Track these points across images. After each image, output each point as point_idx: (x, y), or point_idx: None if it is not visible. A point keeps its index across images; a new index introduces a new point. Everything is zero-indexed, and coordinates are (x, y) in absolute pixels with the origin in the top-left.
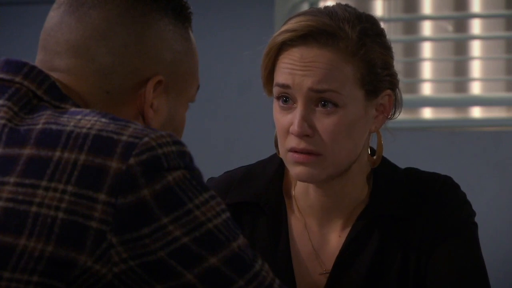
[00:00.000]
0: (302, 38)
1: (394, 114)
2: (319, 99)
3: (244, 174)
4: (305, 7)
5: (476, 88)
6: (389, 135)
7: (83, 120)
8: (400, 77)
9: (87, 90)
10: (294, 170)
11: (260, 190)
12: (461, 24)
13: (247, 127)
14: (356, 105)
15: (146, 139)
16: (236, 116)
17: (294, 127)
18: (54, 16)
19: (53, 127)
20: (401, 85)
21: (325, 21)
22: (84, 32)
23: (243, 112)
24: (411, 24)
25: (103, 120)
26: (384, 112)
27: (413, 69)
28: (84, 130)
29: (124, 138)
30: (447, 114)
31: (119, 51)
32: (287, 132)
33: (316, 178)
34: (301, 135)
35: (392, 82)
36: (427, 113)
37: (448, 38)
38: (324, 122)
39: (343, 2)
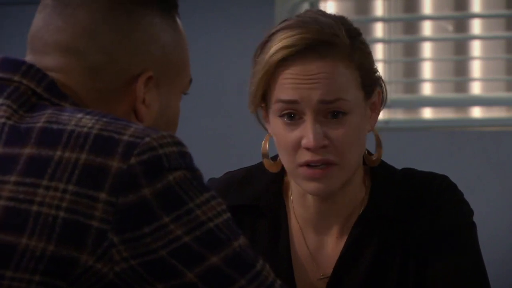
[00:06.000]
0: (300, 52)
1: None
2: (328, 109)
3: (243, 176)
4: (305, 7)
5: (476, 88)
6: (387, 136)
7: (84, 119)
8: (400, 77)
9: (80, 88)
10: (308, 185)
11: (260, 193)
12: (461, 24)
13: (247, 127)
14: (359, 109)
15: (147, 139)
16: (236, 116)
17: (310, 141)
18: (40, 18)
19: (54, 126)
20: (401, 85)
21: (318, 30)
22: (73, 32)
23: (243, 112)
24: (411, 24)
25: (104, 119)
26: (376, 109)
27: (413, 69)
28: (85, 130)
29: (125, 137)
30: (447, 114)
31: (108, 49)
32: (296, 147)
33: (330, 191)
34: (318, 148)
35: (380, 79)
36: (427, 113)
37: (448, 38)
38: (338, 132)
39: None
